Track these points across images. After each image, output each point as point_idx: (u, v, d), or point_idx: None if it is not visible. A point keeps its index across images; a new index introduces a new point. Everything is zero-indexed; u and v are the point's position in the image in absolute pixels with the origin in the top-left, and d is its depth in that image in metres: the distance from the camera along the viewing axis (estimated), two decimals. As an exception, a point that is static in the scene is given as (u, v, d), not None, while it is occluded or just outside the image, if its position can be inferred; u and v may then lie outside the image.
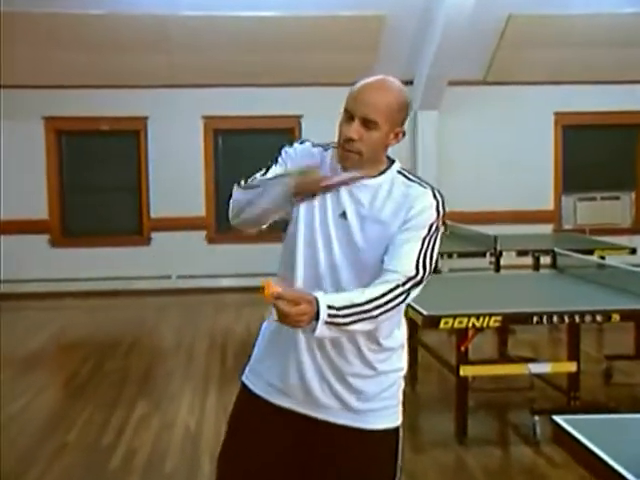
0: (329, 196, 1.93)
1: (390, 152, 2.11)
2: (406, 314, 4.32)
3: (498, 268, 6.84)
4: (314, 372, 1.95)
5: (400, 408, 2.06)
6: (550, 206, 9.72)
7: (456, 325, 3.98)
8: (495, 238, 6.84)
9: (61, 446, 4.21)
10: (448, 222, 8.59)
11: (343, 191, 1.93)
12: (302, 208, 1.97)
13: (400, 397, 2.06)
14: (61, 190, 9.37)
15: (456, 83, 9.21)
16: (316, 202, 1.95)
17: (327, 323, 1.74)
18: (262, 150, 9.63)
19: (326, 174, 1.94)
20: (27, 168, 9.13)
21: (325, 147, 2.05)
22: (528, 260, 7.39)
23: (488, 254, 6.95)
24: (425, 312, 4.06)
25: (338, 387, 1.96)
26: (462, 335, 4.14)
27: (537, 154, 9.69)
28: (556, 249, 5.46)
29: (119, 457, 3.98)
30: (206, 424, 4.46)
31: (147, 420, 4.57)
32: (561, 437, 1.88)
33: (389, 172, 1.98)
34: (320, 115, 9.41)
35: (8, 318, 8.18)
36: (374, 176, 1.96)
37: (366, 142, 1.89)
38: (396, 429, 2.04)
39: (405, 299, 1.88)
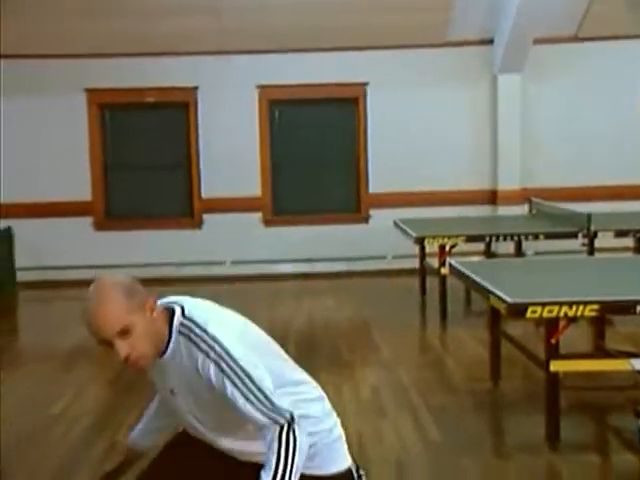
0: (156, 377, 2.28)
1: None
2: (488, 302, 4.24)
3: (592, 251, 6.65)
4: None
5: (341, 450, 2.35)
6: (653, 180, 9.41)
7: (545, 314, 3.88)
8: (589, 217, 6.66)
9: (111, 446, 4.27)
10: (533, 199, 8.44)
11: (161, 371, 2.20)
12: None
13: (334, 444, 2.34)
14: (105, 169, 9.52)
15: (542, 41, 8.97)
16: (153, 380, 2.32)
17: None
18: (324, 122, 9.61)
19: None
20: (68, 145, 9.30)
21: None
22: (628, 242, 7.16)
23: (580, 235, 6.78)
24: (509, 299, 3.98)
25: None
26: (552, 326, 4.02)
27: (638, 121, 9.36)
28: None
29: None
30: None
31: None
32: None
33: (174, 338, 2.14)
34: (388, 82, 9.38)
35: (49, 308, 8.38)
36: (164, 352, 2.15)
37: (138, 344, 2.06)
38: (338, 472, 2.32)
39: (298, 435, 2.09)
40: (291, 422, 2.09)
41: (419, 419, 4.54)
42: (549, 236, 7.00)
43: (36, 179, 9.23)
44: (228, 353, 2.08)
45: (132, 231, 9.38)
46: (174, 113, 9.51)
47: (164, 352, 2.14)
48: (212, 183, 9.39)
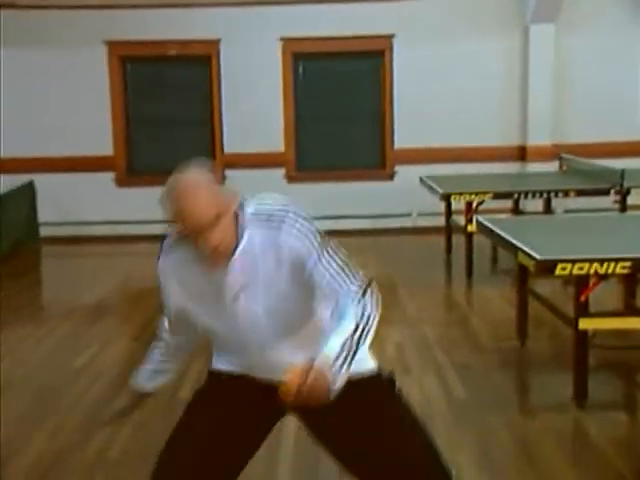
0: (213, 287, 2.13)
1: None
2: (516, 259, 4.23)
3: (625, 208, 6.59)
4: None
5: (367, 354, 2.28)
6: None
7: (575, 271, 3.87)
8: (622, 173, 6.60)
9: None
10: (564, 155, 8.35)
11: (223, 273, 2.10)
12: (197, 319, 2.25)
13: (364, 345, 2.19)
14: (126, 123, 9.53)
15: (577, -10, 8.80)
16: (203, 303, 2.19)
17: (339, 376, 1.95)
18: (349, 77, 9.53)
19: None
20: (89, 99, 9.31)
21: (173, 244, 2.23)
22: (661, 199, 7.09)
23: (612, 192, 6.72)
24: (538, 256, 3.97)
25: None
26: (582, 283, 4.01)
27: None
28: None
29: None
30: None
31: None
32: None
33: (247, 230, 2.10)
34: (415, 35, 9.25)
35: (72, 263, 8.48)
36: (236, 246, 2.09)
37: (226, 237, 2.05)
38: (375, 370, 2.30)
39: (371, 302, 2.10)
40: (367, 290, 2.11)
41: (444, 377, 4.56)
42: (580, 193, 6.93)
43: (57, 133, 9.25)
44: (311, 224, 2.11)
45: (154, 187, 9.34)
46: (196, 66, 9.47)
47: (236, 246, 2.09)
48: (234, 138, 9.38)
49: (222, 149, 9.44)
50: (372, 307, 2.09)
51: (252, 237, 2.09)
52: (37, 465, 3.64)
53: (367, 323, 2.06)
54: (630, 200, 6.68)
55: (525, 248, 4.16)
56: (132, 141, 9.58)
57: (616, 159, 7.75)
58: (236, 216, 2.11)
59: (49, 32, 9.09)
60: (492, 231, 4.92)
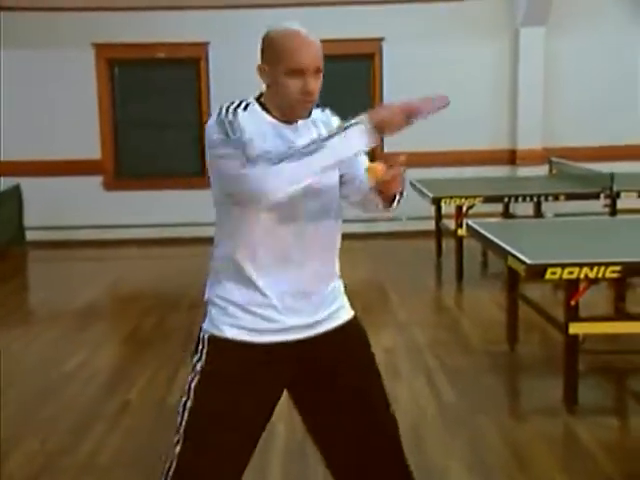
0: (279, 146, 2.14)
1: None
2: (506, 263, 4.27)
3: (614, 212, 6.64)
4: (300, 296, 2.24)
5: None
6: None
7: (565, 276, 3.91)
8: (611, 177, 6.65)
9: (123, 405, 4.36)
10: (554, 159, 8.40)
11: (295, 137, 2.19)
12: None
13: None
14: (114, 126, 9.53)
15: (567, -7, 8.87)
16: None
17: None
18: (338, 80, 9.53)
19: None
20: (77, 102, 9.30)
21: (249, 103, 2.25)
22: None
23: (602, 196, 6.77)
24: (529, 261, 4.00)
25: (319, 301, 2.29)
26: (572, 287, 4.04)
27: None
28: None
29: (185, 419, 4.08)
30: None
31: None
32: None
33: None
34: (404, 37, 9.29)
35: (60, 268, 8.46)
36: (309, 113, 2.28)
37: (318, 89, 2.23)
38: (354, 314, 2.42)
39: None
40: None
41: (434, 380, 4.59)
42: (570, 197, 6.98)
43: (44, 136, 9.25)
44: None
45: (142, 191, 9.40)
46: (185, 69, 9.49)
47: (309, 113, 2.28)
48: (224, 141, 9.37)
49: (211, 152, 9.43)
50: None
51: (317, 113, 2.33)
52: (26, 469, 3.64)
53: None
54: (620, 204, 6.73)
55: (515, 252, 4.19)
56: (120, 144, 9.58)
57: (606, 163, 7.81)
58: None
59: (36, 34, 9.08)
60: (482, 235, 4.96)
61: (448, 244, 7.43)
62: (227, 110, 2.18)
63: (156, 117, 9.52)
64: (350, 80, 9.56)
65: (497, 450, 3.71)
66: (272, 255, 2.19)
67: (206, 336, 2.24)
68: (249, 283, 2.20)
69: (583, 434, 3.83)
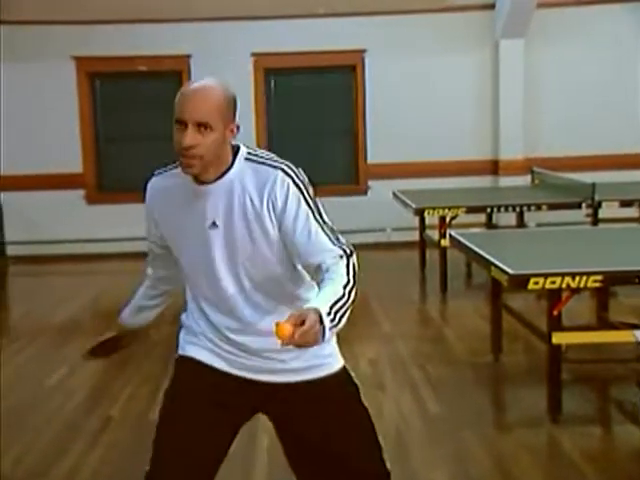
0: (192, 212, 2.17)
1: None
2: (489, 273, 4.28)
3: (596, 221, 6.68)
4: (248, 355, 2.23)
5: (336, 350, 2.33)
6: (658, 149, 9.42)
7: (548, 285, 3.91)
8: (593, 186, 6.67)
9: (105, 421, 4.32)
10: (536, 169, 8.44)
11: (203, 201, 2.16)
12: (168, 238, 2.30)
13: (334, 345, 2.32)
14: (96, 140, 9.50)
15: (547, 5, 8.94)
16: (181, 227, 2.22)
17: (331, 328, 1.95)
18: (320, 91, 9.57)
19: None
20: (57, 116, 9.27)
21: (166, 170, 2.30)
22: (633, 212, 7.19)
23: (584, 205, 6.80)
24: (511, 271, 4.00)
25: (264, 355, 2.23)
26: (555, 297, 4.05)
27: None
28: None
29: (167, 434, 4.05)
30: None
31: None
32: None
33: (236, 165, 2.17)
34: (386, 49, 9.33)
35: (42, 282, 8.40)
36: (222, 175, 2.16)
37: (204, 145, 2.09)
38: (340, 370, 2.31)
39: (355, 266, 2.13)
40: (353, 254, 2.15)
41: (419, 392, 4.58)
42: (552, 207, 7.02)
43: (25, 150, 9.20)
44: (307, 181, 2.18)
45: (124, 204, 9.35)
46: (167, 82, 9.46)
47: (224, 174, 2.15)
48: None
49: (193, 165, 9.42)
50: (354, 272, 2.11)
51: (243, 171, 2.15)
52: (6, 488, 3.60)
53: (355, 281, 2.08)
54: (601, 214, 6.76)
55: (498, 263, 4.20)
56: (102, 158, 9.55)
57: (587, 172, 7.85)
58: (234, 149, 2.18)
59: (16, 48, 9.04)
60: (465, 246, 4.96)
61: (432, 255, 7.44)
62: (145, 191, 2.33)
63: (138, 130, 9.49)
64: (332, 91, 9.59)
65: (481, 461, 3.70)
66: (205, 294, 2.26)
67: (175, 358, 2.35)
68: (201, 313, 2.29)
69: (567, 444, 3.83)
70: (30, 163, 9.19)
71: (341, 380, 2.30)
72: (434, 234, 7.24)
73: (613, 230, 5.96)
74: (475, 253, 4.69)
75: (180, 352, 2.33)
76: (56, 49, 9.10)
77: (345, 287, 2.04)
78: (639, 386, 4.18)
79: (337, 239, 2.16)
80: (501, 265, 4.12)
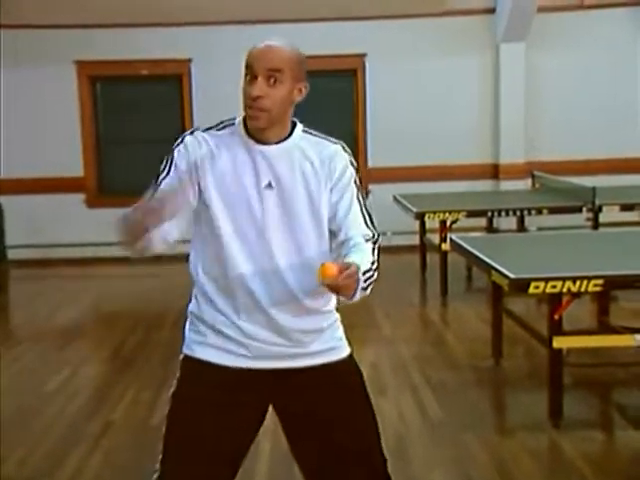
0: (247, 170, 2.14)
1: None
2: (490, 278, 4.27)
3: (597, 225, 6.68)
4: (267, 330, 2.20)
5: (344, 338, 2.36)
6: (659, 153, 9.42)
7: (548, 290, 3.91)
8: (593, 190, 6.68)
9: (106, 426, 4.32)
10: (536, 173, 8.45)
11: (260, 161, 2.15)
12: (213, 194, 2.16)
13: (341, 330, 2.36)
14: (97, 144, 9.51)
15: (547, 9, 8.95)
16: (229, 179, 2.15)
17: (364, 288, 2.06)
18: (321, 95, 9.54)
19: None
20: (58, 120, 9.27)
21: (221, 126, 2.25)
22: (634, 216, 7.19)
23: (585, 209, 6.81)
24: (512, 275, 4.01)
25: (293, 337, 2.23)
26: (555, 301, 4.05)
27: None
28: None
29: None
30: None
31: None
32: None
33: (295, 133, 2.21)
34: (387, 53, 9.34)
35: (42, 286, 8.40)
36: (283, 139, 2.18)
37: (272, 98, 2.10)
38: (349, 355, 2.34)
39: (379, 256, 2.21)
40: (378, 241, 2.23)
41: (419, 396, 4.58)
42: (553, 211, 7.01)
43: (26, 154, 9.20)
44: (353, 161, 2.26)
45: (125, 208, 9.34)
46: (168, 86, 9.49)
47: (283, 140, 2.18)
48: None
49: (194, 169, 9.44)
50: (378, 257, 2.19)
51: (302, 141, 2.20)
52: (7, 493, 3.60)
53: (378, 264, 2.16)
54: (602, 217, 6.77)
55: (498, 267, 4.20)
56: (103, 161, 9.56)
57: (588, 176, 7.86)
58: (291, 112, 2.19)
59: (17, 52, 9.05)
60: (466, 250, 4.97)
61: (433, 259, 7.44)
62: (181, 139, 2.25)
63: (138, 134, 9.50)
64: (333, 96, 9.58)
65: (482, 465, 3.70)
66: (230, 277, 2.17)
67: (180, 357, 2.29)
68: (210, 301, 2.22)
69: (568, 448, 3.83)
70: (31, 167, 9.19)
71: (350, 366, 2.32)
72: (435, 238, 7.24)
73: (614, 234, 5.96)
74: (476, 257, 4.70)
75: (186, 351, 2.28)
76: (57, 53, 9.11)
77: (372, 264, 2.12)
78: (640, 390, 4.18)
79: (372, 222, 2.23)
80: (502, 269, 4.13)
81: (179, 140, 2.26)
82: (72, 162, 9.31)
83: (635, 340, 4.22)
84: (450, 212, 6.96)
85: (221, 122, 2.24)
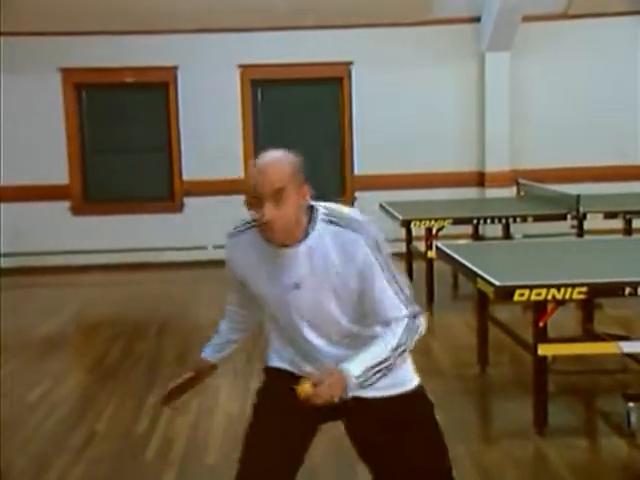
0: (274, 274, 2.27)
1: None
2: (475, 285, 4.27)
3: (581, 233, 6.70)
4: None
5: (411, 369, 2.47)
6: (642, 161, 9.48)
7: (533, 297, 3.91)
8: (577, 198, 6.70)
9: (90, 436, 4.29)
10: (521, 181, 8.48)
11: (284, 264, 2.25)
12: (254, 290, 2.37)
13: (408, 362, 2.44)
14: (82, 151, 9.48)
15: (531, 19, 9.00)
16: (262, 284, 2.32)
17: (358, 387, 2.15)
18: (307, 103, 9.59)
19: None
20: (43, 127, 9.24)
21: (243, 228, 2.37)
22: (617, 223, 7.22)
23: (569, 217, 6.82)
24: (497, 282, 4.00)
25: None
26: (540, 309, 4.05)
27: (627, 102, 9.43)
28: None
29: (154, 447, 4.03)
30: (250, 409, 4.47)
31: (184, 406, 4.59)
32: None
33: (317, 226, 2.25)
34: (373, 61, 9.36)
35: (26, 295, 8.35)
36: (302, 238, 2.23)
37: (283, 217, 2.16)
38: (418, 386, 2.46)
39: (419, 329, 2.30)
40: (418, 316, 2.28)
41: (405, 404, 4.56)
42: (538, 218, 7.02)
43: (11, 161, 9.16)
44: (383, 240, 2.27)
45: (111, 215, 9.34)
46: (153, 93, 9.47)
47: (304, 238, 2.23)
48: (193, 165, 9.37)
49: (180, 176, 9.43)
50: (412, 335, 2.26)
51: (323, 232, 2.23)
52: (-12, 504, 3.57)
53: (410, 343, 2.25)
54: (586, 225, 6.79)
55: (484, 274, 4.20)
56: (88, 169, 9.53)
57: (572, 184, 7.89)
58: (310, 210, 2.25)
59: (2, 59, 9.01)
60: (451, 257, 4.97)
61: (419, 266, 7.44)
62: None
63: (124, 141, 9.48)
64: (319, 103, 9.61)
65: (467, 473, 3.69)
66: (282, 337, 2.43)
67: (262, 369, 2.54)
68: (277, 351, 2.47)
69: (553, 456, 3.83)
70: (16, 174, 9.15)
71: (417, 398, 2.43)
72: (421, 246, 7.25)
73: (598, 241, 5.98)
74: (461, 265, 4.70)
75: (267, 364, 2.50)
76: (42, 60, 9.08)
77: (395, 349, 2.21)
78: (625, 398, 4.18)
79: (405, 297, 2.26)
80: (487, 277, 4.13)
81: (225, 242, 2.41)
82: (57, 169, 9.28)
83: (619, 347, 4.23)
84: (436, 220, 6.96)
85: (245, 223, 2.35)
